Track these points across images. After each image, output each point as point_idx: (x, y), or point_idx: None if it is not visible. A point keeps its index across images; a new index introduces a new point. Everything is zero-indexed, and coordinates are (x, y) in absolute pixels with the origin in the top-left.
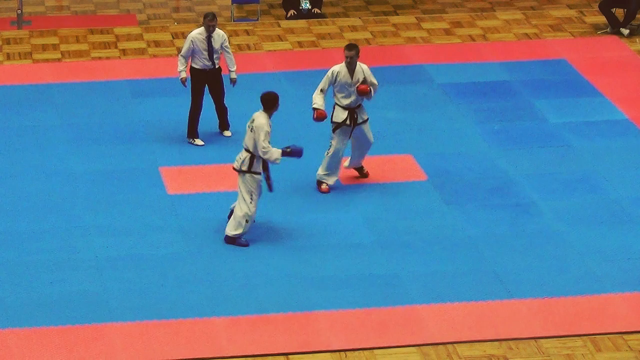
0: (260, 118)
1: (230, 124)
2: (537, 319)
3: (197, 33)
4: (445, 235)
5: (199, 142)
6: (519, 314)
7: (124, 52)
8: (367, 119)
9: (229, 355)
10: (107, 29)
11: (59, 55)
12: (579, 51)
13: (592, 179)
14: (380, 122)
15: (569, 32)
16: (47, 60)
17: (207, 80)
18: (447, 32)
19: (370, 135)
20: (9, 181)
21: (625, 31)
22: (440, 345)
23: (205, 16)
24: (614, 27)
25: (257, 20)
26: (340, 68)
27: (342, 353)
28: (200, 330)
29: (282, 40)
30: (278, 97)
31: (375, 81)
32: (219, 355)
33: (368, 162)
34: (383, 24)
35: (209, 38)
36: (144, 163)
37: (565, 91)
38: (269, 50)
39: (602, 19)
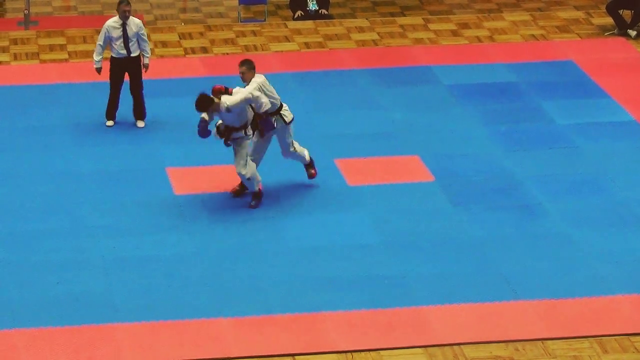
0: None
1: (146, 114)
2: (544, 320)
3: (113, 21)
4: (451, 237)
5: (109, 123)
6: (525, 315)
7: None
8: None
9: (235, 355)
10: None
11: (66, 56)
12: (586, 53)
13: (599, 181)
14: (387, 123)
15: (576, 33)
16: (54, 61)
17: (125, 69)
18: (454, 33)
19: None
20: (15, 181)
21: (633, 33)
22: (446, 347)
23: (120, 2)
24: (621, 28)
25: (264, 21)
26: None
27: (348, 354)
28: (207, 331)
29: (289, 41)
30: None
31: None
32: (225, 356)
33: (375, 163)
34: (390, 25)
35: (124, 25)
36: (151, 164)
37: (572, 92)
38: (276, 51)
39: (609, 21)
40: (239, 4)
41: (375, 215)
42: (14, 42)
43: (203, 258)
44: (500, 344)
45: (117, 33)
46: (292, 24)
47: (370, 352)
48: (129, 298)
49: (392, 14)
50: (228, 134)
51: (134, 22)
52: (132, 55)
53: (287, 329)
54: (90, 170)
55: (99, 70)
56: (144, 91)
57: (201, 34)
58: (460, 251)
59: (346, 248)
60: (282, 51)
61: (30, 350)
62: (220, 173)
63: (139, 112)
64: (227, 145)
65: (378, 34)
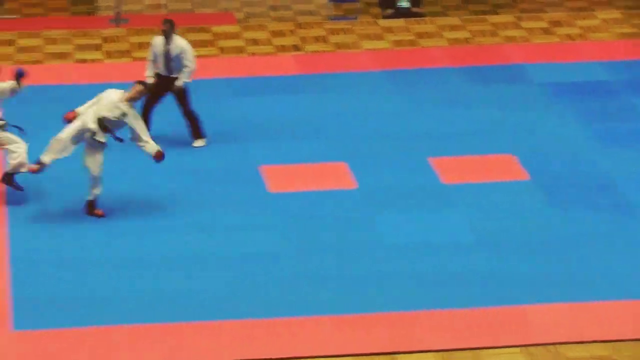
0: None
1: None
2: None
3: (159, 38)
4: (547, 235)
5: None
6: (624, 314)
7: (222, 50)
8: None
9: (332, 354)
10: (205, 27)
11: None
12: None
13: None
14: (480, 121)
15: None
16: (144, 59)
17: (166, 88)
18: (546, 31)
19: None
20: (107, 179)
21: None
22: (545, 346)
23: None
24: None
25: (355, 18)
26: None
27: (446, 353)
28: (302, 328)
29: (380, 39)
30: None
31: None
32: (323, 354)
33: (469, 161)
34: (482, 23)
35: (166, 45)
36: (244, 162)
37: None
38: (367, 49)
39: None
40: (330, 2)
41: (469, 213)
42: (105, 40)
43: (296, 256)
44: (600, 343)
45: (160, 51)
46: (384, 22)
47: (469, 351)
48: (224, 295)
49: (484, 12)
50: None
51: (177, 43)
52: (172, 75)
53: (385, 327)
54: (184, 168)
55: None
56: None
57: (292, 31)
58: (557, 250)
59: (441, 246)
60: (373, 49)
61: (127, 346)
62: (313, 171)
63: (192, 131)
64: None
65: (470, 32)
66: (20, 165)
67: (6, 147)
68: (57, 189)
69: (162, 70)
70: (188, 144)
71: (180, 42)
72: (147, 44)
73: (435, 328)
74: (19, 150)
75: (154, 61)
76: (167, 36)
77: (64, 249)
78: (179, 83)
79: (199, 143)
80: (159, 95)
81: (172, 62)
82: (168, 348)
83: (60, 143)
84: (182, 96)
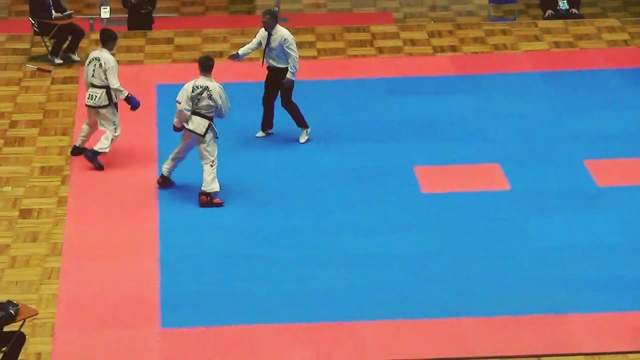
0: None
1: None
2: None
3: (264, 29)
4: None
5: (259, 134)
6: None
7: (379, 50)
8: None
9: (477, 355)
10: (363, 27)
11: (315, 53)
12: None
13: None
14: (637, 124)
15: None
16: (303, 58)
17: (272, 79)
18: None
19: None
20: (260, 176)
21: None
22: None
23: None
24: None
25: (515, 20)
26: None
27: (595, 356)
28: (449, 329)
29: (539, 41)
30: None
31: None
32: (467, 356)
33: (626, 164)
34: None
35: (268, 36)
36: (399, 162)
37: None
38: (526, 51)
39: None
40: (489, 3)
41: (624, 217)
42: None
43: (448, 257)
44: None
45: (263, 42)
46: (543, 23)
47: (617, 355)
48: (372, 295)
49: None
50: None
51: (279, 34)
52: (273, 66)
53: (532, 329)
54: (337, 167)
55: (232, 56)
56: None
57: (450, 32)
58: None
59: (593, 249)
60: (531, 50)
61: (273, 345)
62: (468, 172)
63: (297, 122)
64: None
65: (629, 34)
66: (102, 151)
67: (103, 127)
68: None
69: (268, 61)
70: (344, 144)
71: (282, 32)
72: (306, 43)
73: (583, 331)
74: (108, 137)
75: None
76: (268, 28)
77: (210, 246)
78: (289, 77)
79: (304, 137)
80: (273, 88)
81: (273, 51)
82: (316, 348)
83: None
84: (287, 89)
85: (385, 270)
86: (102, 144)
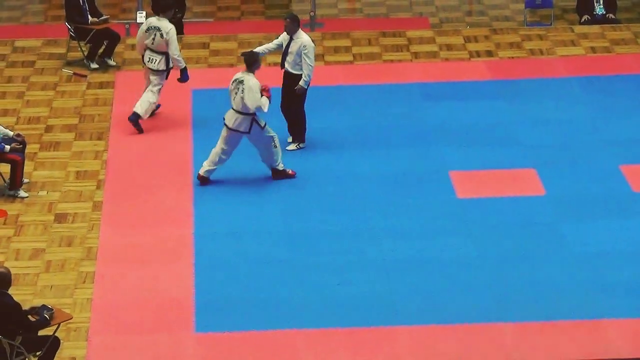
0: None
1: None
2: None
3: (285, 33)
4: None
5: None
6: None
7: (415, 55)
8: None
9: None
10: (399, 32)
11: (351, 58)
12: None
13: None
14: None
15: None
16: (339, 63)
17: (287, 84)
18: None
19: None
20: (296, 182)
21: None
22: None
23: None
24: None
25: (551, 25)
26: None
27: None
28: (486, 335)
29: (575, 46)
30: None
31: None
32: None
33: None
34: None
35: (289, 40)
36: (434, 166)
37: None
38: (562, 56)
39: None
40: (525, 8)
41: None
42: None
43: (484, 262)
44: None
45: (284, 45)
46: (579, 28)
47: None
48: (409, 300)
49: None
50: None
51: (300, 39)
52: (288, 71)
53: (570, 335)
54: (374, 172)
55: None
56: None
57: (486, 37)
58: None
59: (629, 254)
60: (568, 55)
61: (309, 350)
62: (503, 177)
63: (294, 132)
64: None
65: None
66: (145, 112)
67: (148, 91)
68: (238, 186)
69: (285, 65)
70: (380, 149)
71: (304, 38)
72: (342, 48)
73: (621, 336)
74: (144, 101)
75: (273, 49)
76: (289, 32)
77: (246, 251)
78: (302, 84)
79: (292, 147)
80: (290, 95)
81: (291, 56)
82: (354, 354)
83: None
84: (299, 96)
85: (422, 274)
86: (139, 109)
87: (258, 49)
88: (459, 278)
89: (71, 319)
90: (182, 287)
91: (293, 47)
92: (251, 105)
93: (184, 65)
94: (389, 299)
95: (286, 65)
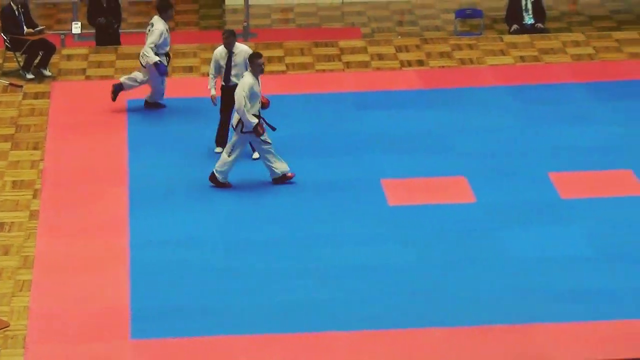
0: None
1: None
2: None
3: (219, 50)
4: None
5: (217, 149)
6: None
7: (347, 64)
8: None
9: None
10: (332, 42)
11: (284, 68)
12: None
13: None
14: (602, 138)
15: None
16: (272, 73)
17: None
18: None
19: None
20: (232, 191)
21: None
22: None
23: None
24: None
25: (481, 34)
26: (250, 79)
27: None
28: (419, 339)
29: (504, 55)
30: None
31: None
32: None
33: (589, 177)
34: (606, 40)
35: (229, 55)
36: (367, 174)
37: None
38: (492, 65)
39: None
40: (456, 18)
41: (589, 228)
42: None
43: (417, 268)
44: None
45: (223, 62)
46: (508, 38)
47: None
48: (347, 306)
49: (609, 29)
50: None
51: (241, 49)
52: (234, 84)
53: (502, 339)
54: (306, 180)
55: (212, 98)
56: None
57: (417, 46)
58: None
59: (558, 260)
60: (497, 65)
61: (246, 356)
62: (433, 184)
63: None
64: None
65: (594, 48)
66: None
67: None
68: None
69: (225, 80)
70: (313, 157)
71: (243, 47)
72: (275, 58)
73: (553, 341)
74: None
75: (215, 74)
76: (229, 46)
77: (182, 259)
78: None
79: (220, 149)
80: (231, 107)
81: (237, 68)
82: (292, 358)
83: None
84: None
85: (358, 281)
86: (127, 78)
87: (212, 89)
88: (393, 284)
89: (8, 326)
90: (118, 294)
91: (237, 59)
92: (236, 100)
93: (150, 60)
94: (326, 305)
95: (234, 79)
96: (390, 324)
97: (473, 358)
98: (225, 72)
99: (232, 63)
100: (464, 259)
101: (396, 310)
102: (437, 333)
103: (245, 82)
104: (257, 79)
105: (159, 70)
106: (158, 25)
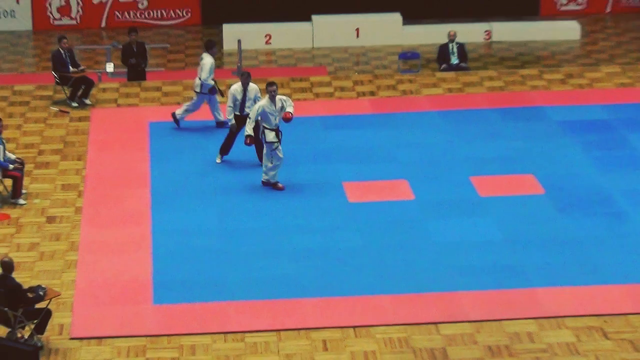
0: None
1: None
2: (627, 299)
3: (235, 87)
4: (557, 236)
5: (219, 159)
6: (613, 295)
7: (316, 95)
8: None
9: (390, 323)
10: (304, 77)
11: None
12: None
13: None
14: (510, 149)
15: None
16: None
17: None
18: (562, 81)
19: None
20: (233, 192)
21: None
22: (550, 319)
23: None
24: None
25: (418, 71)
26: (264, 102)
27: (478, 323)
28: (369, 303)
29: (436, 87)
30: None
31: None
32: (383, 323)
33: (500, 180)
34: (513, 75)
35: (244, 91)
36: (331, 178)
37: None
38: (426, 95)
39: None
40: (399, 59)
41: (500, 219)
42: (229, 86)
43: (369, 250)
44: (593, 317)
45: (239, 97)
46: (439, 74)
47: (494, 322)
48: (313, 279)
49: (515, 67)
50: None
51: (253, 87)
52: (241, 115)
53: (432, 303)
54: (284, 182)
55: (232, 126)
56: None
57: (370, 81)
58: (564, 246)
59: (477, 244)
60: (431, 94)
61: (239, 317)
62: (383, 186)
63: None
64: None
65: (504, 81)
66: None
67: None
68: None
69: (240, 110)
70: (289, 166)
71: (254, 86)
72: (262, 90)
73: (470, 304)
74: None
75: (234, 106)
76: (246, 84)
77: (192, 243)
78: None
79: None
80: (239, 131)
81: (249, 102)
82: (272, 318)
83: None
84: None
85: (323, 260)
86: (178, 110)
87: (230, 111)
88: (350, 262)
89: (60, 295)
90: (143, 270)
91: (250, 94)
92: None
93: (208, 86)
94: (297, 278)
95: (246, 109)
96: (346, 292)
97: (413, 318)
98: (241, 104)
99: (246, 97)
100: (404, 242)
101: (350, 282)
102: (382, 299)
103: (259, 103)
104: (272, 101)
105: (211, 92)
106: (207, 59)
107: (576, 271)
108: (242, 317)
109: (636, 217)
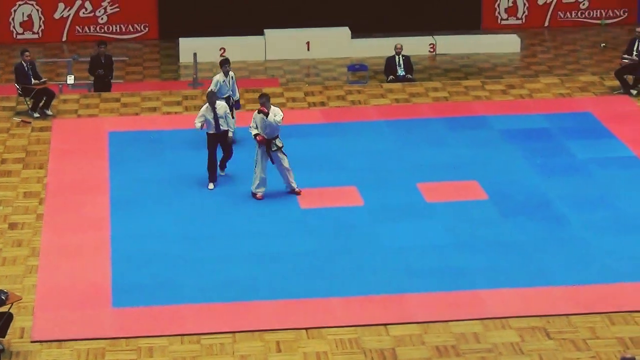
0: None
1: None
2: (568, 301)
3: (205, 106)
4: (501, 239)
5: (210, 186)
6: (554, 296)
7: None
8: (281, 146)
9: (339, 324)
10: (258, 89)
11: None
12: (600, 106)
13: (608, 198)
14: (453, 157)
15: (593, 92)
16: None
17: (217, 141)
18: (504, 92)
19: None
20: (195, 200)
21: (634, 92)
22: (496, 319)
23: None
24: (626, 89)
25: (366, 82)
26: (218, 77)
27: (425, 324)
28: (318, 306)
29: (384, 98)
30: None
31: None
32: (332, 325)
33: (447, 186)
34: (457, 86)
35: (213, 110)
36: (284, 185)
37: (590, 135)
38: (374, 105)
39: (617, 83)
40: (348, 71)
41: (445, 223)
42: (185, 98)
43: (320, 253)
44: (536, 317)
45: (210, 115)
46: (386, 85)
47: (441, 323)
48: (266, 282)
49: (459, 78)
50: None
51: (221, 106)
52: (221, 130)
53: (381, 305)
54: (241, 191)
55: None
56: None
57: (320, 92)
58: (508, 249)
59: (423, 247)
60: (378, 105)
61: (195, 319)
62: (333, 192)
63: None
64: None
65: (448, 92)
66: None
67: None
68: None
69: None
70: (241, 174)
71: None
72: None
73: (418, 306)
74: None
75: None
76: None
77: (150, 247)
78: (230, 135)
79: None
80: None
81: (221, 119)
82: (227, 320)
83: None
84: (229, 143)
85: (275, 263)
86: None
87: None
88: (302, 265)
89: (21, 299)
90: (102, 274)
91: (220, 112)
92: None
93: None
94: (251, 281)
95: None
96: (298, 294)
97: (363, 320)
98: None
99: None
100: (354, 246)
101: (302, 285)
102: (333, 301)
103: (254, 115)
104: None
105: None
106: (216, 76)
107: (519, 273)
108: (198, 320)
109: (575, 221)
